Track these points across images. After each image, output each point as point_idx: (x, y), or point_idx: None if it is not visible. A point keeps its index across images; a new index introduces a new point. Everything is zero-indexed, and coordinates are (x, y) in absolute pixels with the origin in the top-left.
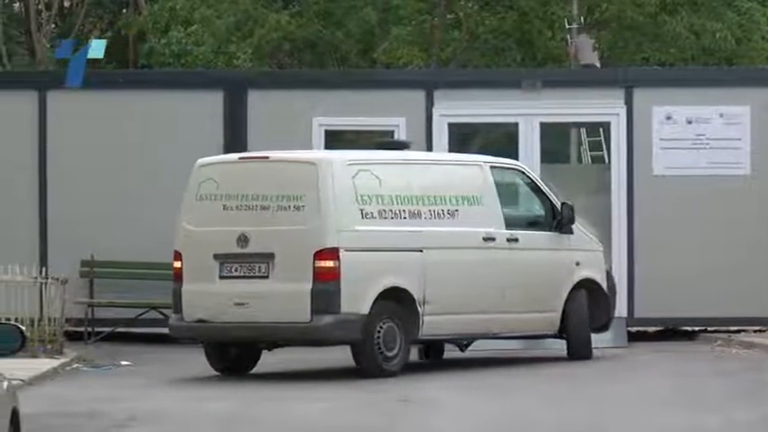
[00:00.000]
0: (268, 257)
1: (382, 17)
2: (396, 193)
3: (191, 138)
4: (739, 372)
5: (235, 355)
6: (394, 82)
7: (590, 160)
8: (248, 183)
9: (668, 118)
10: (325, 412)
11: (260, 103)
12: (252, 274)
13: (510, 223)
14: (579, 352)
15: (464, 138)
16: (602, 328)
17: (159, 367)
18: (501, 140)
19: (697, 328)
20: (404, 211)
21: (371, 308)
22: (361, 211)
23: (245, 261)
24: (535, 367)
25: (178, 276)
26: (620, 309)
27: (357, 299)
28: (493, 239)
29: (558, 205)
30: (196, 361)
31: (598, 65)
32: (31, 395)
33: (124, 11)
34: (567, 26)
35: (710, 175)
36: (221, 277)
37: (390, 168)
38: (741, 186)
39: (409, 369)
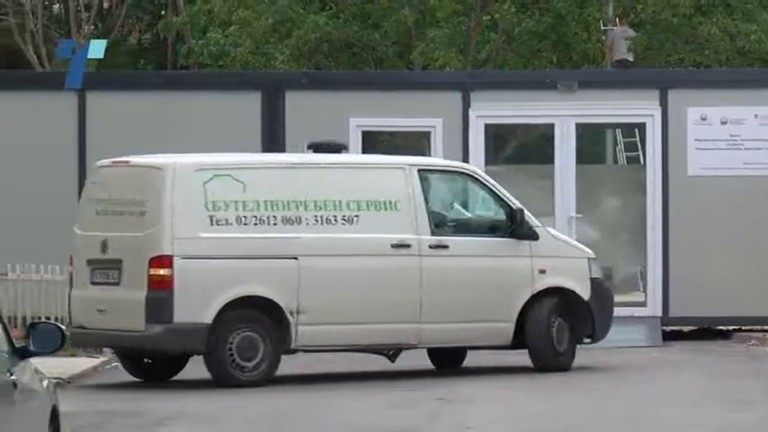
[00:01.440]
0: (118, 264)
1: (419, 19)
2: (266, 198)
3: (229, 138)
4: None
5: (147, 363)
6: (431, 83)
7: (625, 161)
8: (113, 188)
9: (703, 119)
10: (363, 412)
11: (297, 104)
12: (107, 280)
13: (442, 229)
14: (542, 363)
15: (500, 138)
16: (591, 338)
17: (196, 366)
18: (537, 141)
19: (731, 328)
20: (275, 217)
21: (217, 317)
22: (211, 217)
23: (104, 267)
24: (579, 364)
25: (70, 281)
26: (655, 308)
27: (196, 308)
28: (407, 246)
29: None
30: None
31: (631, 59)
32: (70, 394)
33: (163, 12)
34: (603, 27)
35: (745, 175)
36: (92, 283)
37: (263, 173)
38: None
39: (443, 370)
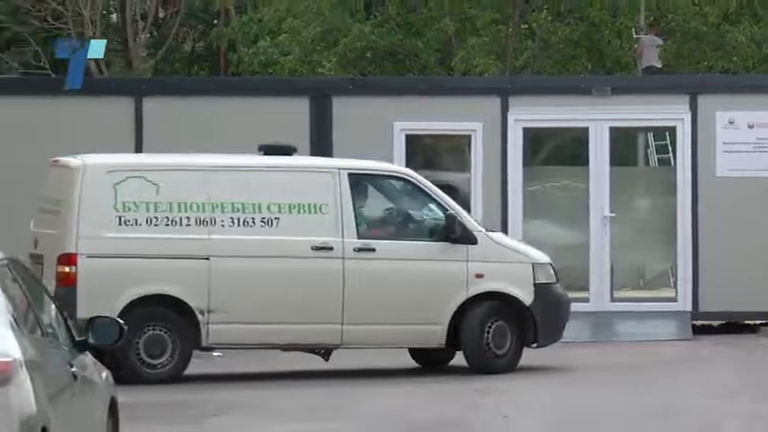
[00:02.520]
0: (41, 260)
1: (459, 28)
2: (180, 200)
3: (279, 139)
4: None
5: None
6: (471, 89)
7: (657, 163)
8: (47, 186)
9: (730, 122)
10: (406, 404)
11: (343, 109)
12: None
13: (371, 232)
14: (476, 365)
15: (537, 141)
16: (535, 342)
17: (250, 359)
18: (573, 144)
19: (759, 322)
20: (188, 218)
21: (124, 315)
22: (120, 218)
23: (36, 263)
24: (600, 359)
25: None
26: (685, 303)
27: (100, 305)
28: (329, 249)
29: (458, 215)
30: (285, 354)
31: (659, 65)
32: (128, 385)
33: (216, 21)
34: (635, 36)
35: None
36: None
37: (178, 175)
38: None
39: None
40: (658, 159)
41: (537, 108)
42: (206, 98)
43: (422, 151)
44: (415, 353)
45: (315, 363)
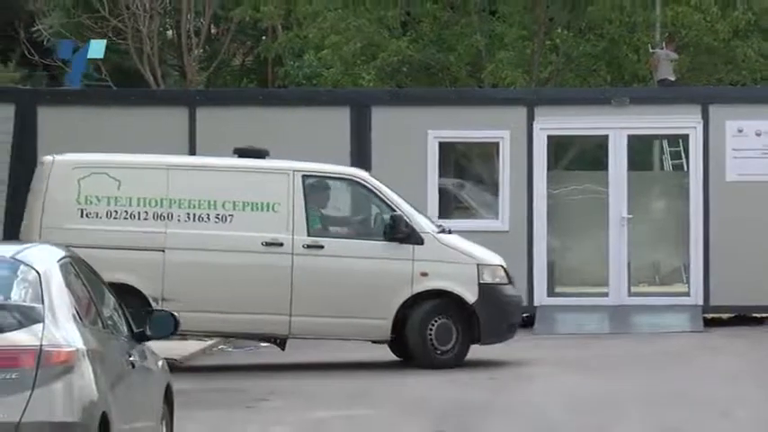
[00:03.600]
0: None
1: (488, 43)
2: (139, 195)
3: (322, 148)
4: None
5: None
6: (499, 99)
7: (671, 168)
8: (33, 181)
9: (740, 131)
10: (431, 391)
11: (381, 118)
12: None
13: (321, 231)
14: (418, 359)
15: (560, 147)
16: (479, 340)
17: (294, 349)
18: (594, 150)
19: (766, 315)
20: (146, 212)
21: None
22: (82, 210)
23: None
24: (618, 349)
25: None
26: (697, 298)
27: None
28: (280, 245)
29: (404, 216)
30: (327, 344)
31: (673, 78)
32: (182, 373)
33: (263, 37)
34: (651, 50)
35: None
36: None
37: (139, 172)
38: None
39: (500, 351)
40: (672, 165)
41: (560, 117)
42: (254, 108)
43: (454, 157)
44: (392, 346)
45: (346, 354)
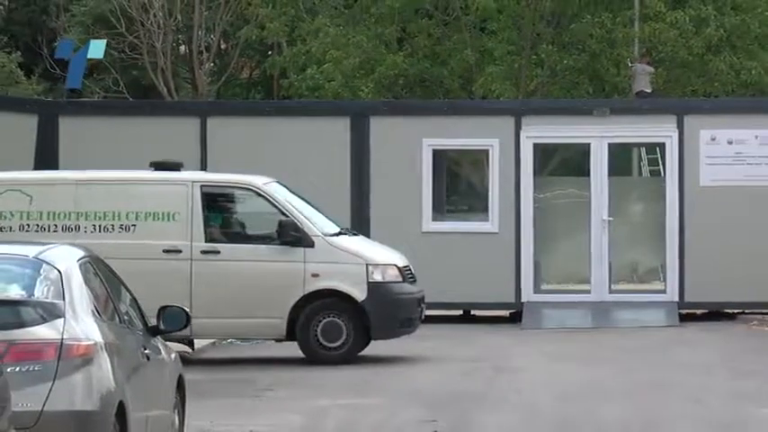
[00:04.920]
0: None
1: (479, 58)
2: (49, 209)
3: (323, 154)
4: None
5: None
6: (489, 110)
7: (649, 174)
8: None
9: (713, 139)
10: (435, 381)
11: (379, 127)
12: None
13: (218, 237)
14: (309, 355)
15: (546, 155)
16: (370, 335)
17: (293, 344)
18: (577, 157)
19: (736, 311)
20: (56, 225)
21: None
22: None
23: None
24: (600, 342)
25: None
26: (673, 295)
27: None
28: (178, 251)
29: (296, 220)
30: None
31: (649, 90)
32: (194, 365)
33: (269, 52)
34: (630, 65)
35: (747, 185)
36: None
37: (50, 188)
38: None
39: (490, 345)
40: (650, 171)
41: (545, 126)
42: (261, 118)
43: (447, 163)
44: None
45: None
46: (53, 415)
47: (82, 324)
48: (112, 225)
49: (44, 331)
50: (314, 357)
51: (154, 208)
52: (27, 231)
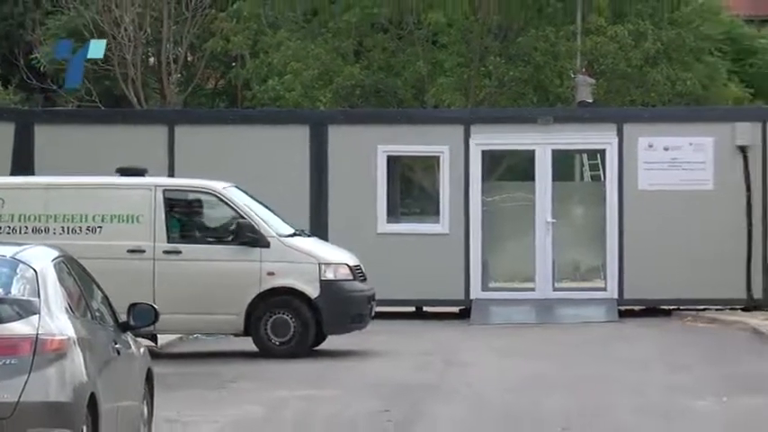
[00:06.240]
0: None
1: (431, 69)
2: (20, 212)
3: (284, 160)
4: (704, 340)
5: None
6: (440, 118)
7: (590, 178)
8: None
9: (650, 146)
10: (388, 373)
11: (337, 135)
12: None
13: (179, 238)
14: (261, 349)
15: (493, 161)
16: (323, 330)
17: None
18: (522, 163)
19: (672, 308)
20: (26, 227)
21: None
22: None
23: None
24: (545, 337)
25: None
26: (613, 292)
27: None
28: (141, 251)
29: (252, 222)
30: None
31: (591, 100)
32: (161, 358)
33: (234, 64)
34: (573, 76)
35: (682, 189)
36: None
37: (21, 192)
38: (706, 198)
39: (441, 340)
40: (591, 176)
41: (493, 134)
42: (226, 126)
43: (401, 169)
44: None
45: None
46: (29, 406)
47: (56, 320)
48: (80, 227)
49: (20, 327)
50: (265, 352)
51: (119, 211)
52: None
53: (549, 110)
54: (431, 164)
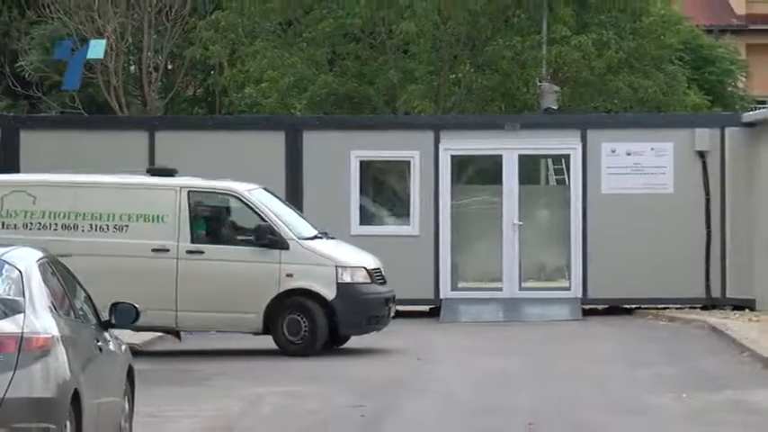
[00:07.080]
0: None
1: (402, 77)
2: (50, 209)
3: (260, 164)
4: (664, 338)
5: None
6: (410, 124)
7: (555, 182)
8: None
9: (613, 151)
10: (365, 368)
11: (311, 140)
12: None
13: (202, 238)
14: (280, 347)
15: (462, 165)
16: (339, 331)
17: (239, 336)
18: (490, 168)
19: (633, 306)
20: (56, 224)
21: None
22: (3, 222)
23: None
24: (511, 335)
25: None
26: (577, 292)
27: None
28: (166, 251)
29: (273, 225)
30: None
31: (556, 107)
32: (143, 356)
33: (212, 72)
34: (538, 83)
35: (644, 193)
36: None
37: (51, 190)
38: (666, 201)
39: (413, 338)
40: (556, 180)
41: (462, 140)
42: (204, 132)
43: (373, 173)
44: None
45: None
46: (14, 401)
47: (40, 319)
48: (107, 225)
49: (6, 325)
50: (283, 349)
51: (145, 210)
52: (30, 229)
53: (515, 116)
54: (402, 168)
